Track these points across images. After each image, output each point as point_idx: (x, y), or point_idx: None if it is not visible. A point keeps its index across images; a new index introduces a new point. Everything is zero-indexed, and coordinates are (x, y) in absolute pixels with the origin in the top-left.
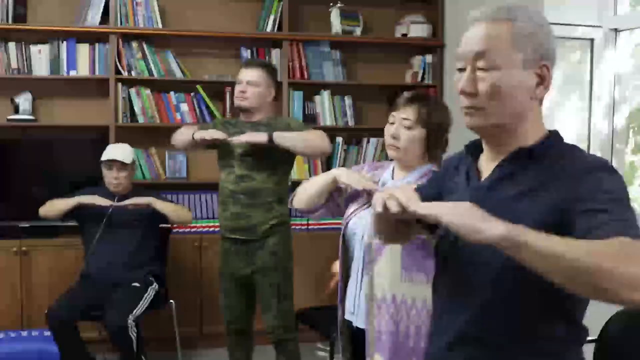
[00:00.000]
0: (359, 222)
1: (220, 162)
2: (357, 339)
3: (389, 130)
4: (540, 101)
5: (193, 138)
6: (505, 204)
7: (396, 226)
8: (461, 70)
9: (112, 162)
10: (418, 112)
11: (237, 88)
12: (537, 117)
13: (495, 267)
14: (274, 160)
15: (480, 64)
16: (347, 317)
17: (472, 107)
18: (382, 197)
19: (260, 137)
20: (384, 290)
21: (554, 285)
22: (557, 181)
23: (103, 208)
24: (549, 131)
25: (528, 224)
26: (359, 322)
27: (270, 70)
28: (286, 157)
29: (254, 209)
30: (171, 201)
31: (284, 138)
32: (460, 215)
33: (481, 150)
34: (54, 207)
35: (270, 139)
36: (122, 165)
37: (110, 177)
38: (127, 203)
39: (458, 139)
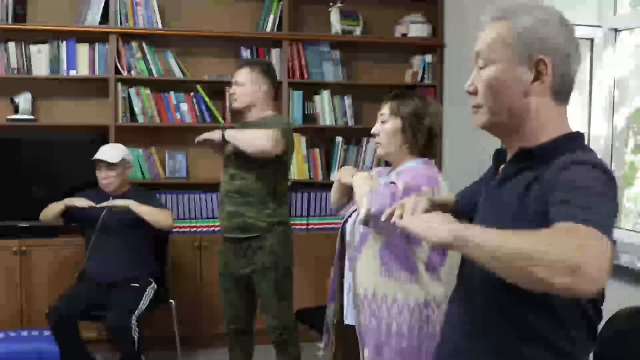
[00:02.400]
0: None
1: (223, 163)
2: (349, 335)
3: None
4: (560, 100)
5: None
6: (505, 205)
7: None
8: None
9: (100, 162)
10: (391, 106)
11: (230, 91)
12: (548, 116)
13: (477, 283)
14: (262, 162)
15: (479, 63)
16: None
17: (474, 106)
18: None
19: (216, 135)
20: (365, 287)
21: (527, 304)
22: (544, 179)
23: (98, 210)
24: (569, 133)
25: (524, 224)
26: (348, 319)
27: (257, 67)
28: (279, 159)
29: (247, 208)
30: (162, 205)
31: (233, 137)
32: (422, 223)
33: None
34: (49, 211)
35: (224, 137)
36: (109, 165)
37: (100, 178)
38: (105, 205)
39: (458, 138)
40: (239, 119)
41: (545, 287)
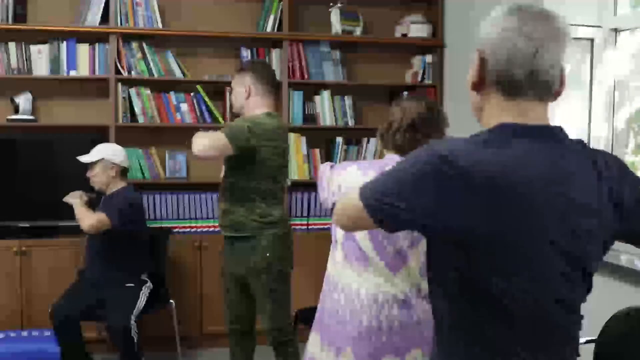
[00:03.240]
0: None
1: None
2: None
3: None
4: (504, 92)
5: None
6: None
7: None
8: None
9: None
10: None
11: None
12: (491, 109)
13: None
14: (246, 159)
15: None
16: None
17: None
18: None
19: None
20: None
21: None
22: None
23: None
24: (499, 124)
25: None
26: None
27: (243, 68)
28: (245, 155)
29: (236, 206)
30: (111, 215)
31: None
32: None
33: None
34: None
35: None
36: (90, 164)
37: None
38: (66, 200)
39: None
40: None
41: None
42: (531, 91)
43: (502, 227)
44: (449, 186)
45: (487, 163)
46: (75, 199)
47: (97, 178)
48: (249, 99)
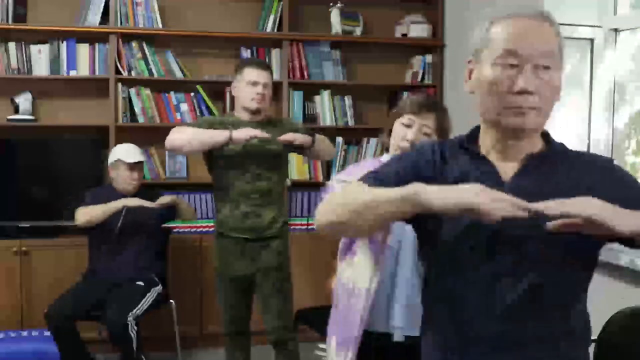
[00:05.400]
0: None
1: (225, 162)
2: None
3: (402, 131)
4: None
5: (230, 139)
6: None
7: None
8: (512, 66)
9: (119, 162)
10: (437, 120)
11: (253, 90)
12: None
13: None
14: (282, 161)
15: (545, 62)
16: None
17: (532, 107)
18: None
19: (306, 139)
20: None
21: None
22: (584, 179)
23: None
24: (544, 132)
25: None
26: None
27: (270, 69)
28: (288, 158)
29: (265, 208)
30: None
31: (322, 142)
32: (588, 206)
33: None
34: (100, 211)
35: (313, 142)
36: (133, 164)
37: (127, 177)
38: (160, 203)
39: None
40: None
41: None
42: None
43: None
44: None
45: None
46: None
47: (139, 180)
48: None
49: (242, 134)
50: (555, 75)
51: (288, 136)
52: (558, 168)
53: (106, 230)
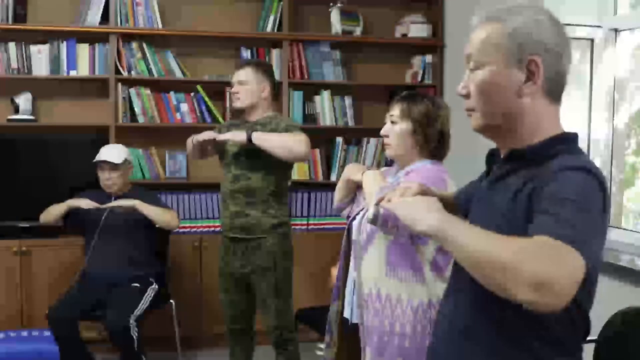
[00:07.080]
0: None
1: (221, 162)
2: (352, 334)
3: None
4: (552, 100)
5: (192, 143)
6: (495, 206)
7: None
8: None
9: (103, 163)
10: (403, 108)
11: (231, 90)
12: (541, 116)
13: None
14: (269, 161)
15: (470, 65)
16: (347, 313)
17: (467, 109)
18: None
19: (240, 137)
20: (369, 286)
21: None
22: (533, 183)
23: (100, 210)
24: (562, 133)
25: (513, 226)
26: (353, 318)
27: (260, 67)
28: (277, 159)
29: (251, 208)
30: (164, 205)
31: (263, 140)
32: (407, 206)
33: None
34: (50, 212)
35: (249, 139)
36: (113, 165)
37: (103, 178)
38: (112, 205)
39: (458, 138)
40: (238, 118)
41: (509, 296)
42: (562, 96)
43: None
44: (608, 205)
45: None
46: (135, 201)
47: (120, 179)
48: (265, 100)
49: (201, 136)
50: (482, 73)
51: (225, 135)
52: (519, 171)
53: (91, 227)
